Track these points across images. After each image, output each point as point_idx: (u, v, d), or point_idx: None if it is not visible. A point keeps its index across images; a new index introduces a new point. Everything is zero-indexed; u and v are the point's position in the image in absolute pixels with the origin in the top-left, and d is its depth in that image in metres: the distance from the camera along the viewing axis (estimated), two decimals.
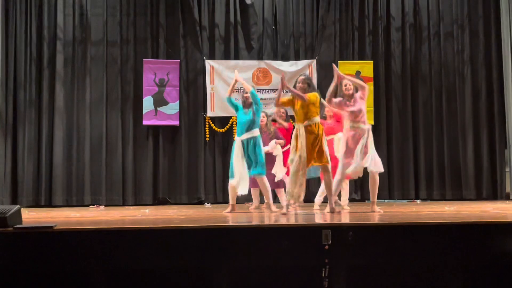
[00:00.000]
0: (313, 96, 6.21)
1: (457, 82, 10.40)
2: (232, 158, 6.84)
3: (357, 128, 6.37)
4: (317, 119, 6.21)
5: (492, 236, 4.26)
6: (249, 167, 6.70)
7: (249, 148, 6.72)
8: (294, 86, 6.34)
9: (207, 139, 10.03)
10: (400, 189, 10.17)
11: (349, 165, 6.35)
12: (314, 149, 6.09)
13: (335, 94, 6.56)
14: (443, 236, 4.25)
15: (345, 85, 6.48)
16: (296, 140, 6.17)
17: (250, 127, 6.76)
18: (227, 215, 6.31)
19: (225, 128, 10.05)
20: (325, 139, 6.24)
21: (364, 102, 6.48)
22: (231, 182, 6.76)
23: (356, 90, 6.53)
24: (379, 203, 8.71)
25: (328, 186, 6.26)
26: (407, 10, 10.49)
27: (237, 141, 6.80)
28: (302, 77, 6.40)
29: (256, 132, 6.78)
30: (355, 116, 6.38)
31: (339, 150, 6.72)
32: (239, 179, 6.61)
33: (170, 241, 4.18)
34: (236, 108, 6.98)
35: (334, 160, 6.82)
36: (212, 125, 10.03)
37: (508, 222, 4.58)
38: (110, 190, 9.87)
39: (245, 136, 6.74)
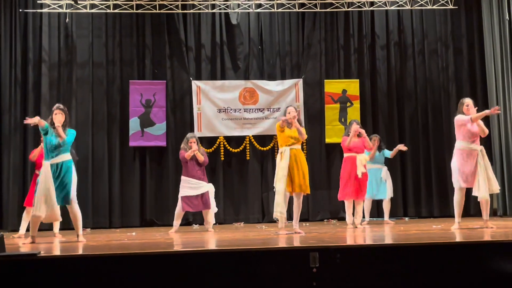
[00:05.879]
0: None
1: (442, 98, 10.47)
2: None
3: (471, 149, 6.55)
4: (299, 146, 6.59)
5: (481, 256, 4.26)
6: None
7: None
8: (284, 114, 6.71)
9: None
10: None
11: (463, 182, 6.54)
12: (299, 172, 6.46)
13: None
14: (432, 257, 4.24)
15: (467, 105, 6.68)
16: (281, 161, 6.51)
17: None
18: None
19: (212, 148, 10.03)
20: (306, 165, 6.58)
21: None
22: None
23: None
24: (370, 221, 8.75)
25: (298, 210, 6.60)
26: (391, 29, 10.59)
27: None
28: (292, 108, 6.73)
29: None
30: (472, 136, 6.56)
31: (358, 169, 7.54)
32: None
33: (156, 266, 4.14)
34: (45, 131, 6.42)
35: (354, 178, 7.61)
36: (200, 145, 10.01)
37: (495, 241, 4.58)
38: (96, 212, 9.78)
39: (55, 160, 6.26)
